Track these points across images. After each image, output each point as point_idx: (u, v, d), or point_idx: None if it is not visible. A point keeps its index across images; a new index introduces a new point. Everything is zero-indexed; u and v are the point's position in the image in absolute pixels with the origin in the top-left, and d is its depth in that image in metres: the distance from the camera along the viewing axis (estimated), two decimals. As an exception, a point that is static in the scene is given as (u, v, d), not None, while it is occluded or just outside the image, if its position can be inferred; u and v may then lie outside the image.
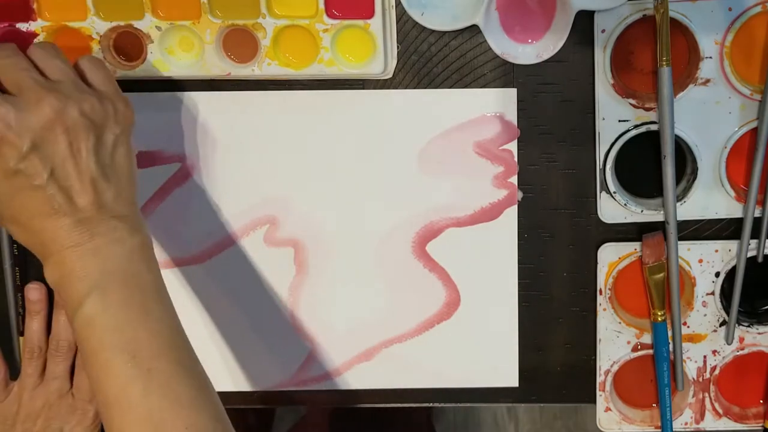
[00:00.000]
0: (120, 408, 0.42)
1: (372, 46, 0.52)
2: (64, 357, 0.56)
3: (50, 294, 0.56)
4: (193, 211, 0.57)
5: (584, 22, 0.52)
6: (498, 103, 0.55)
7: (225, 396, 0.62)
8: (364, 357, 0.60)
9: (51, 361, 0.57)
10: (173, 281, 0.59)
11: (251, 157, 0.56)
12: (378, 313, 0.59)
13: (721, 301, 0.57)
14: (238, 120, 0.56)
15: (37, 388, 0.57)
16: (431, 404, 0.61)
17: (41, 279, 0.59)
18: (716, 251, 0.56)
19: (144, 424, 0.41)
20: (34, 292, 0.57)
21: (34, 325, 0.57)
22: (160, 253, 0.58)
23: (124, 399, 0.42)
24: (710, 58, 0.52)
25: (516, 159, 0.55)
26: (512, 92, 0.54)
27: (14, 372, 0.61)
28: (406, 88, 0.55)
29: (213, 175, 0.57)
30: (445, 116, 0.55)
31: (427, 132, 0.55)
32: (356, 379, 0.60)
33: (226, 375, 0.61)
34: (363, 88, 0.55)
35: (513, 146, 0.55)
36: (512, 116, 0.55)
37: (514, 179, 0.56)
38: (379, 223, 0.57)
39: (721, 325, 0.57)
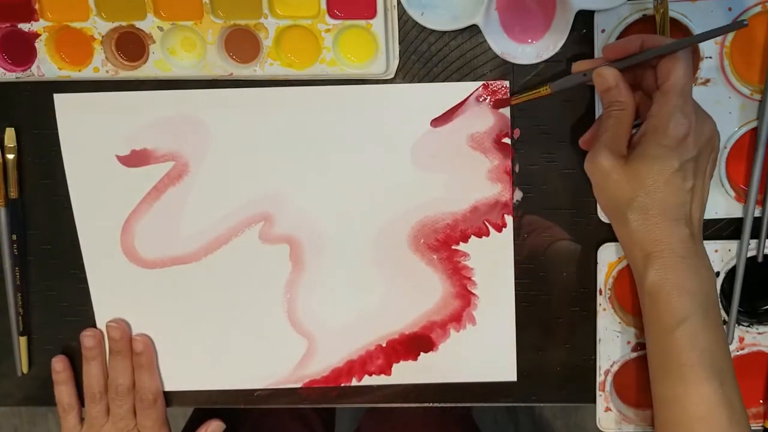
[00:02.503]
0: (708, 426, 0.46)
1: (374, 46, 0.52)
2: (124, 400, 0.59)
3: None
4: (187, 210, 0.58)
5: (584, 22, 0.52)
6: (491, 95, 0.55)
7: (224, 395, 0.62)
8: (362, 353, 0.60)
9: (113, 404, 0.59)
10: (169, 280, 0.59)
11: (244, 153, 0.56)
12: (375, 309, 0.59)
13: (721, 301, 0.57)
14: (230, 117, 0.56)
15: (103, 428, 0.59)
16: (431, 404, 0.61)
17: (41, 279, 0.59)
18: (716, 251, 0.56)
19: None
20: (89, 339, 0.59)
21: (92, 370, 0.59)
22: (155, 252, 0.58)
23: (713, 420, 0.45)
24: (710, 58, 0.52)
25: (511, 151, 0.56)
26: (504, 84, 0.54)
27: (14, 371, 0.62)
28: (406, 88, 0.55)
29: (207, 173, 0.57)
30: (437, 109, 0.55)
31: (420, 126, 0.55)
32: (355, 377, 0.60)
33: (224, 373, 0.61)
34: (364, 88, 0.55)
35: (507, 139, 0.55)
36: (505, 109, 0.55)
37: (510, 173, 0.56)
38: (375, 218, 0.57)
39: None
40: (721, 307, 0.57)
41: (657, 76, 0.47)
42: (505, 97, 0.54)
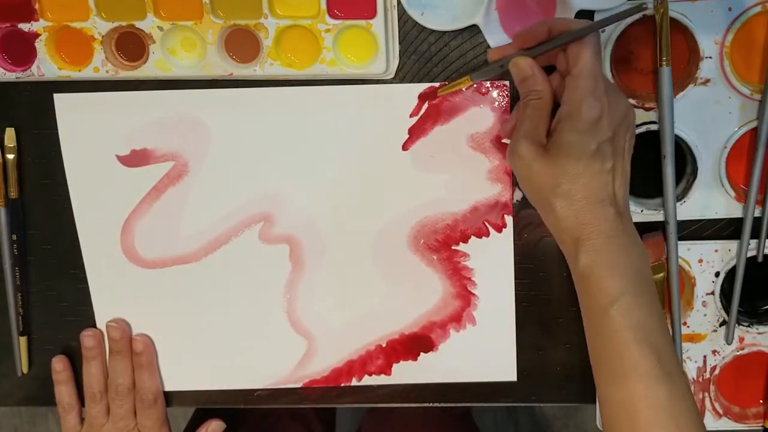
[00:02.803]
0: (647, 404, 0.45)
1: (374, 47, 0.52)
2: (124, 400, 0.59)
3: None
4: (187, 210, 0.58)
5: (584, 22, 0.52)
6: (491, 95, 0.55)
7: (224, 395, 0.62)
8: (362, 354, 0.60)
9: (113, 404, 0.59)
10: (169, 280, 0.59)
11: (244, 153, 0.56)
12: (375, 309, 0.59)
13: (721, 301, 0.57)
14: (230, 117, 0.56)
15: (104, 427, 0.59)
16: (431, 404, 0.61)
17: (41, 279, 0.59)
18: (716, 251, 0.56)
19: (668, 424, 0.44)
20: (89, 339, 0.59)
21: (92, 369, 0.59)
22: (155, 252, 0.58)
23: (652, 397, 0.44)
24: (710, 58, 0.52)
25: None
26: (505, 84, 0.54)
27: (14, 371, 0.62)
28: (406, 88, 0.55)
29: (207, 173, 0.57)
30: (437, 110, 0.55)
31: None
32: (355, 377, 0.60)
33: (224, 373, 0.61)
34: (364, 88, 0.55)
35: (508, 139, 0.55)
36: (505, 108, 0.55)
37: (510, 173, 0.56)
38: (374, 218, 0.57)
39: (721, 325, 0.58)
40: (721, 306, 0.57)
41: (567, 61, 0.47)
42: (433, 91, 0.54)
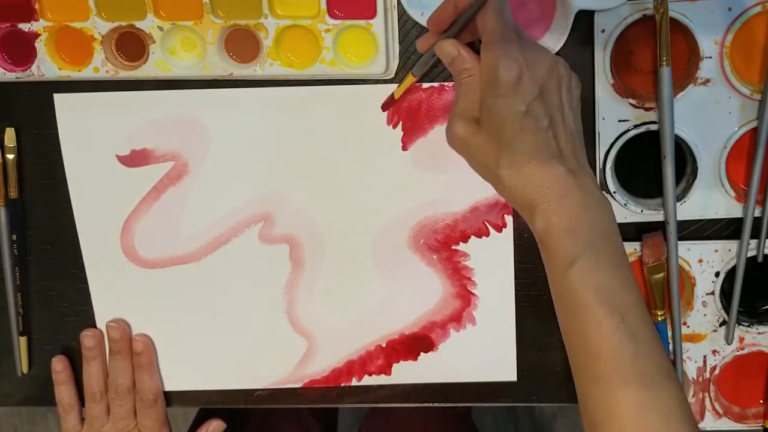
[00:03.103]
0: (611, 364, 0.43)
1: (374, 47, 0.52)
2: (124, 400, 0.59)
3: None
4: (187, 210, 0.58)
5: (584, 22, 0.52)
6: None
7: (224, 394, 0.62)
8: (362, 354, 0.60)
9: (113, 404, 0.59)
10: (169, 280, 0.59)
11: (244, 153, 0.56)
12: (375, 309, 0.59)
13: (721, 301, 0.57)
14: (230, 117, 0.56)
15: (104, 427, 0.59)
16: (431, 404, 0.61)
17: (41, 279, 0.59)
18: (716, 251, 0.56)
19: (637, 383, 0.42)
20: (89, 339, 0.59)
21: (92, 369, 0.59)
22: (155, 252, 0.58)
23: (616, 358, 0.42)
24: (710, 58, 0.52)
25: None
26: None
27: (14, 371, 0.62)
28: (406, 88, 0.55)
29: (207, 173, 0.57)
30: (437, 110, 0.55)
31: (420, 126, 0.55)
32: (355, 377, 0.60)
33: (224, 373, 0.61)
34: (364, 88, 0.55)
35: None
36: None
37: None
38: (375, 218, 0.57)
39: (721, 325, 0.58)
40: (721, 306, 0.57)
41: (478, 30, 0.46)
42: (390, 97, 0.54)
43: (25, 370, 0.61)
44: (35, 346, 0.61)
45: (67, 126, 0.56)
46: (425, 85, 0.55)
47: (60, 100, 0.56)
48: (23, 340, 0.61)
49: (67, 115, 0.56)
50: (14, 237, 0.58)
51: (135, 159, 0.57)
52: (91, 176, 0.57)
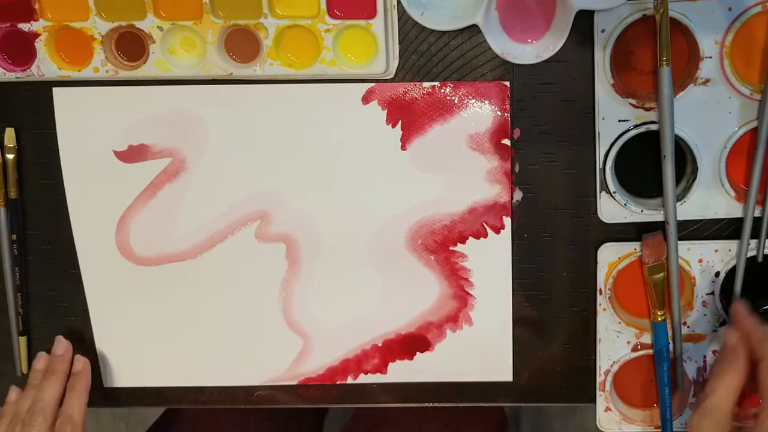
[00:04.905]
0: None
1: (374, 46, 0.52)
2: (38, 419, 0.55)
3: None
4: (183, 207, 0.57)
5: (584, 22, 0.52)
6: (491, 95, 0.55)
7: (223, 394, 0.62)
8: (358, 353, 0.60)
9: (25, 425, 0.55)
10: (164, 277, 0.59)
11: (242, 151, 0.56)
12: (371, 309, 0.59)
13: (721, 301, 0.57)
14: (229, 114, 0.56)
15: None
16: (430, 404, 0.61)
17: (41, 279, 0.60)
18: (716, 251, 0.56)
19: None
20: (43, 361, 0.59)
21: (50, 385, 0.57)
22: (150, 249, 0.58)
23: None
24: (710, 57, 0.52)
25: (511, 153, 0.55)
26: (504, 85, 0.54)
27: (14, 371, 0.62)
28: (406, 88, 0.55)
29: (204, 170, 0.57)
30: (437, 110, 0.55)
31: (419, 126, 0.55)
32: (351, 375, 0.60)
33: (218, 370, 0.61)
34: (363, 88, 0.55)
35: (507, 140, 0.55)
36: (505, 108, 0.55)
37: (509, 174, 0.56)
38: (372, 218, 0.57)
39: (721, 325, 0.58)
40: (721, 306, 0.57)
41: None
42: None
43: (24, 370, 0.61)
44: (35, 346, 0.61)
45: (66, 120, 0.56)
46: (425, 84, 0.54)
47: (59, 93, 0.56)
48: (23, 340, 0.61)
49: (65, 109, 0.56)
50: (14, 237, 0.58)
51: (132, 154, 0.57)
52: (88, 171, 0.57)
